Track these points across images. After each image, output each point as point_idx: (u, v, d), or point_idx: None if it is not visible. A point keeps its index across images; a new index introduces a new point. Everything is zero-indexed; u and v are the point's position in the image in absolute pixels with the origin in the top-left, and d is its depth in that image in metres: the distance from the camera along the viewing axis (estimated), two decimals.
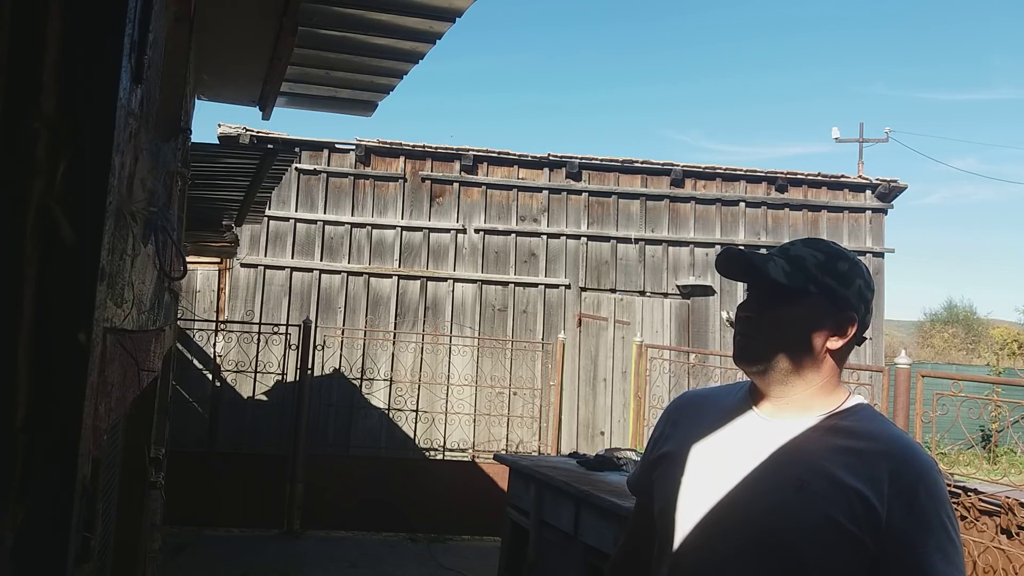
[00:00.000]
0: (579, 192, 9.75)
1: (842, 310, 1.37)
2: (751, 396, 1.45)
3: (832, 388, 1.39)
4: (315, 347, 8.09)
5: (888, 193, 10.20)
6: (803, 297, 1.35)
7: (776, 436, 1.37)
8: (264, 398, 8.51)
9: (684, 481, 1.42)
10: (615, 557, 1.71)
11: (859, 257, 1.56)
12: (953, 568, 1.25)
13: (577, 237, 9.66)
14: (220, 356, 8.62)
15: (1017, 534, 4.23)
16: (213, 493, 7.22)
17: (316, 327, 8.21)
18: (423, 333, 9.16)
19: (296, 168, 9.11)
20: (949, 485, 4.63)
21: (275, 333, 8.34)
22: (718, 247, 9.77)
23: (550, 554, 4.52)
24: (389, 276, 9.26)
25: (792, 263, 1.36)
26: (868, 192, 10.23)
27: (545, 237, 9.62)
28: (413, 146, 9.42)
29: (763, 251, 1.49)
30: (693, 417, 1.51)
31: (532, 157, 9.67)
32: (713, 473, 1.39)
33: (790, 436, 1.36)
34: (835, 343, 1.37)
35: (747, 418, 1.42)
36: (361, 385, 8.98)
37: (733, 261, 1.42)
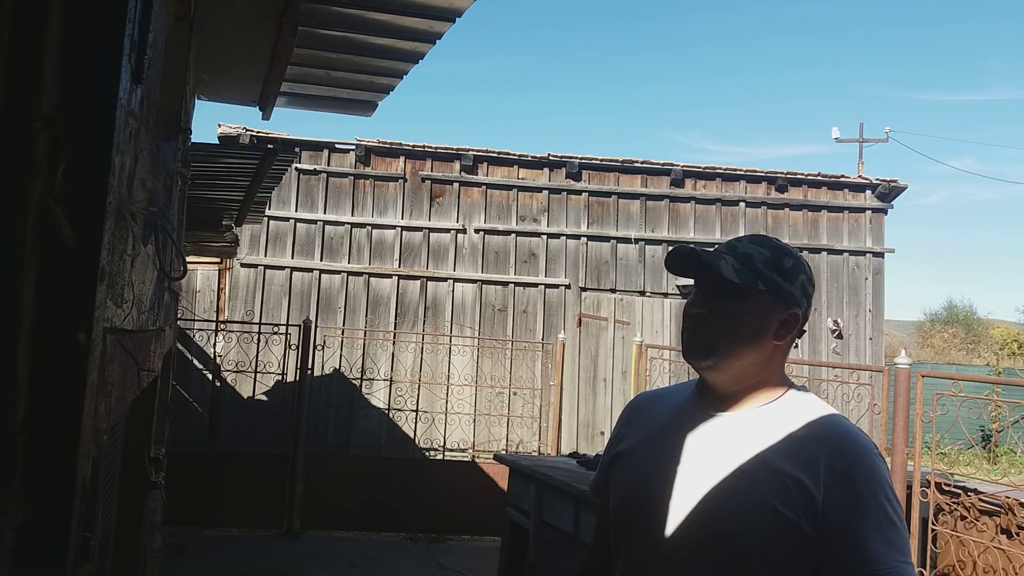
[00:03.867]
0: (579, 192, 9.75)
1: (788, 306, 1.40)
2: (698, 392, 1.48)
3: (776, 380, 1.43)
4: (315, 347, 8.09)
5: (888, 193, 10.19)
6: (752, 294, 1.38)
7: (721, 429, 1.41)
8: (264, 398, 8.51)
9: (637, 479, 1.46)
10: (583, 560, 1.73)
11: (801, 253, 1.62)
12: (894, 549, 1.24)
13: (577, 237, 9.66)
14: (220, 356, 8.62)
15: (1017, 534, 4.23)
16: (213, 493, 7.22)
17: (316, 327, 8.21)
18: (423, 333, 9.16)
19: (296, 168, 9.11)
20: (949, 485, 4.63)
21: (275, 333, 8.34)
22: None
23: (550, 554, 4.52)
24: (389, 276, 9.26)
25: (741, 260, 1.39)
26: (868, 192, 10.22)
27: (545, 237, 9.61)
28: (413, 146, 9.42)
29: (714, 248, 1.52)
30: (647, 417, 1.55)
31: (532, 157, 9.67)
32: (663, 470, 1.41)
33: (735, 429, 1.39)
34: (780, 337, 1.40)
35: (695, 414, 1.45)
36: (361, 385, 8.98)
37: (686, 259, 1.45)
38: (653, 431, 1.50)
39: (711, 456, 1.38)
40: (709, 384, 1.45)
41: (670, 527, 1.37)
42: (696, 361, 1.41)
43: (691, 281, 1.53)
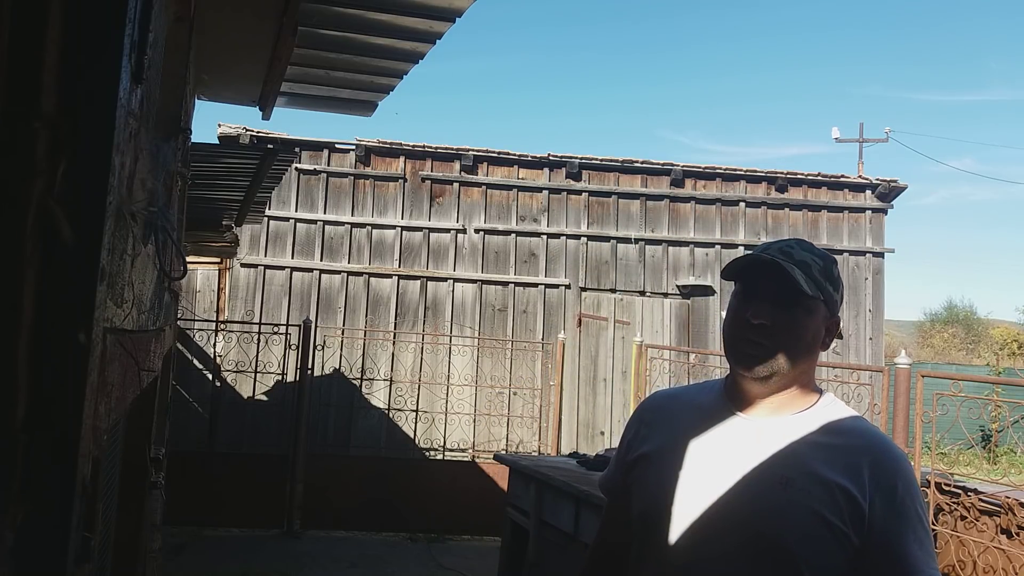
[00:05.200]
0: (579, 192, 9.75)
1: (833, 315, 1.41)
2: (728, 396, 1.45)
3: (810, 386, 1.43)
4: (315, 347, 8.09)
5: (888, 193, 10.19)
6: (815, 305, 1.37)
7: (759, 436, 1.38)
8: (264, 398, 8.51)
9: (668, 483, 1.42)
10: (588, 559, 1.68)
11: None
12: (928, 556, 1.31)
13: (577, 237, 9.66)
14: (220, 356, 8.62)
15: (1017, 534, 4.23)
16: (213, 493, 7.22)
17: (316, 327, 8.21)
18: (423, 333, 9.16)
19: (296, 168, 9.11)
20: (949, 485, 4.63)
21: (275, 333, 8.34)
22: (718, 247, 9.78)
23: (550, 554, 4.52)
24: (389, 276, 9.26)
25: (803, 269, 1.36)
26: (868, 192, 10.22)
27: (545, 237, 9.61)
28: (413, 146, 9.42)
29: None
30: (668, 418, 1.51)
31: (532, 157, 9.67)
32: (699, 475, 1.39)
33: (773, 435, 1.38)
34: (825, 345, 1.41)
35: (726, 417, 1.43)
36: (361, 385, 8.98)
37: (761, 269, 1.38)
38: (679, 434, 1.45)
39: (751, 462, 1.36)
40: (745, 389, 1.41)
41: (712, 531, 1.34)
42: (754, 372, 1.37)
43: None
